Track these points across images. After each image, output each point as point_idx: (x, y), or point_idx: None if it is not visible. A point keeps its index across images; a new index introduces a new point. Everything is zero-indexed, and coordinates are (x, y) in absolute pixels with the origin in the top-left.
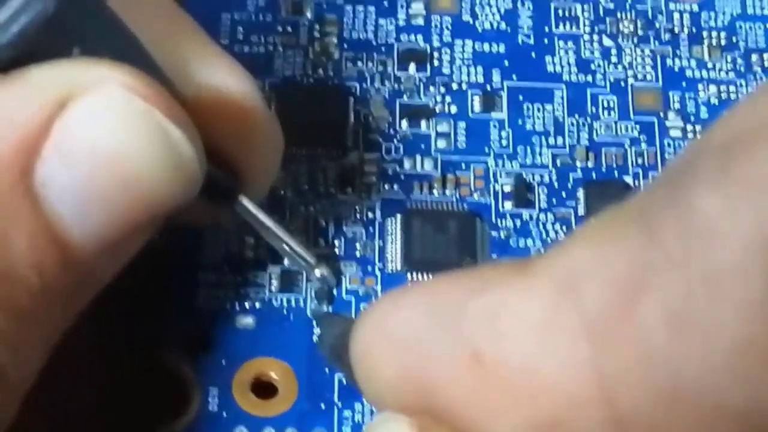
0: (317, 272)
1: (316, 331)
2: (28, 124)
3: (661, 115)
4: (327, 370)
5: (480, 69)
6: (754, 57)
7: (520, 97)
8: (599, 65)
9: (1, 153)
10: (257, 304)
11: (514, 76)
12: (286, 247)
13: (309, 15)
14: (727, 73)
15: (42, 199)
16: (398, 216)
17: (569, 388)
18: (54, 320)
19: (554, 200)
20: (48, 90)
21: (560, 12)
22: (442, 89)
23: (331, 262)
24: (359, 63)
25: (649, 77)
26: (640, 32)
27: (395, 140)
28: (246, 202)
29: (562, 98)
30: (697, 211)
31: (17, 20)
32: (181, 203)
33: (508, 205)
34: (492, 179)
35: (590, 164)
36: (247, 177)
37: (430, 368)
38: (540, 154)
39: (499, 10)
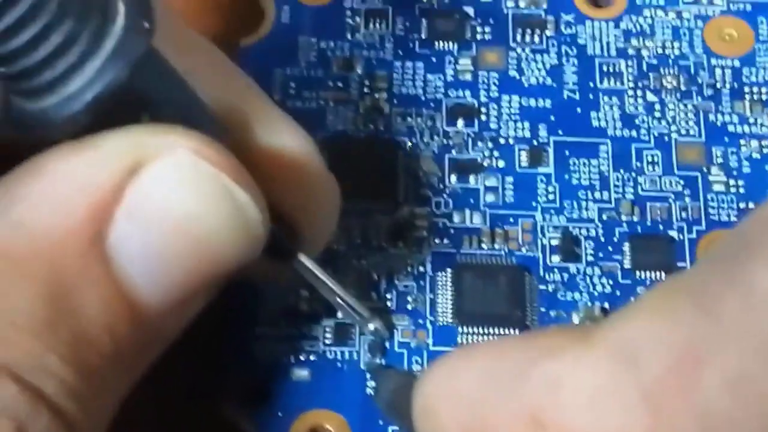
0: (371, 326)
1: (371, 383)
2: (101, 189)
3: (705, 169)
4: (381, 422)
5: (527, 124)
6: None
7: (566, 152)
8: (643, 120)
9: (75, 218)
10: (312, 357)
11: (559, 131)
12: (341, 301)
13: (359, 71)
14: None
15: (113, 261)
16: (448, 269)
17: None
18: (122, 378)
19: (600, 254)
20: (119, 156)
21: (604, 68)
22: (490, 144)
23: (383, 315)
24: (409, 118)
25: (692, 132)
26: (682, 87)
27: (444, 194)
28: (304, 259)
29: (607, 153)
30: (755, 288)
31: (91, 87)
32: (246, 263)
33: (556, 258)
34: (539, 233)
35: (635, 218)
36: (305, 234)
37: (490, 428)
38: (586, 209)
39: (544, 66)
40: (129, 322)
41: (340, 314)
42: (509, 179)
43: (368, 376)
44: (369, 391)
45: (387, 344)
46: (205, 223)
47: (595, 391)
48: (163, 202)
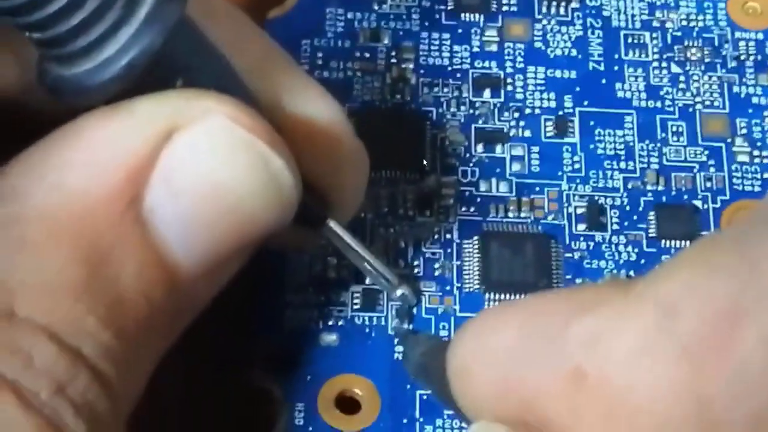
0: (398, 291)
1: (398, 348)
2: (137, 154)
3: (729, 140)
4: (409, 386)
5: (552, 95)
6: None
7: (592, 123)
8: (668, 92)
9: (112, 182)
10: (340, 323)
11: (585, 102)
12: (370, 268)
13: (386, 42)
14: None
15: (149, 226)
16: (475, 237)
17: (667, 409)
18: (156, 343)
19: (626, 223)
20: (154, 121)
21: (629, 39)
22: (516, 114)
23: (411, 282)
24: (435, 88)
25: (716, 103)
26: (707, 60)
27: (471, 163)
28: (334, 226)
29: (633, 123)
30: None
31: (126, 54)
32: (278, 228)
33: (582, 227)
34: (565, 202)
35: (660, 188)
36: (335, 201)
37: (529, 384)
38: (612, 178)
39: (570, 37)
40: (164, 286)
41: (368, 280)
42: (535, 149)
43: (396, 341)
44: (397, 356)
45: (414, 310)
46: (240, 189)
47: (636, 345)
48: (197, 167)
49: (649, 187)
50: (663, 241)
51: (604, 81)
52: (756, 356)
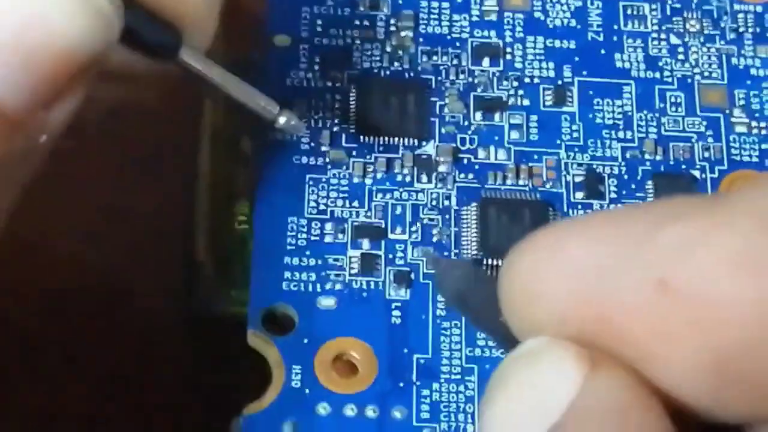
0: (281, 119)
1: (396, 312)
2: None
3: (727, 111)
4: (406, 350)
5: (551, 64)
6: None
7: (590, 92)
8: (667, 63)
9: None
10: (338, 287)
11: (584, 72)
12: (247, 97)
13: (386, 10)
14: None
15: None
16: (473, 204)
17: (757, 324)
18: (6, 187)
19: (624, 191)
20: None
21: (629, 10)
22: (515, 83)
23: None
24: (434, 57)
25: (714, 75)
26: (706, 31)
27: (469, 131)
28: (189, 53)
29: (631, 94)
30: None
31: None
32: (103, 48)
33: (580, 195)
34: (563, 170)
35: (659, 157)
36: (186, 26)
37: (610, 296)
38: (610, 147)
39: (569, 7)
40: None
41: (368, 244)
42: (534, 118)
43: (428, 267)
44: (394, 320)
45: (412, 276)
46: (51, 14)
47: (732, 256)
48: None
49: (647, 157)
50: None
51: (603, 51)
52: None
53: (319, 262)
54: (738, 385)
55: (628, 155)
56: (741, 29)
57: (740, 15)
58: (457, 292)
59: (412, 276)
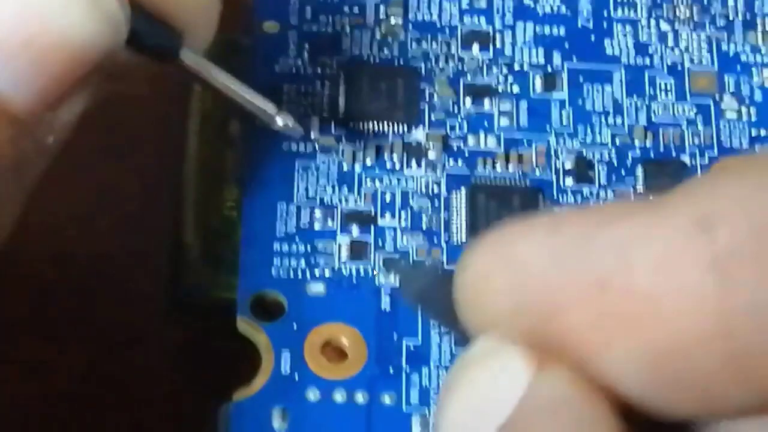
0: (279, 121)
1: (386, 299)
2: None
3: (717, 97)
4: (395, 336)
5: (541, 50)
6: None
7: (580, 78)
8: (656, 49)
9: None
10: (327, 273)
11: (574, 58)
12: (244, 99)
13: None
14: None
15: None
16: (463, 190)
17: (691, 321)
18: (12, 190)
19: (614, 177)
20: None
21: None
22: (505, 70)
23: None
24: (424, 44)
25: (704, 61)
26: (695, 18)
27: (459, 118)
28: (189, 55)
29: (621, 80)
30: None
31: None
32: (110, 50)
33: (569, 181)
34: (553, 156)
35: (648, 143)
36: (187, 28)
37: (550, 296)
38: (600, 133)
39: None
40: (5, 131)
41: (355, 230)
42: (523, 104)
43: (393, 273)
44: (383, 306)
45: (402, 263)
46: (58, 15)
47: (664, 255)
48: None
49: (637, 143)
50: (650, 196)
51: (592, 38)
52: None
53: (309, 248)
54: (675, 383)
55: (617, 141)
56: (731, 16)
57: (730, 1)
58: (418, 295)
59: (402, 263)
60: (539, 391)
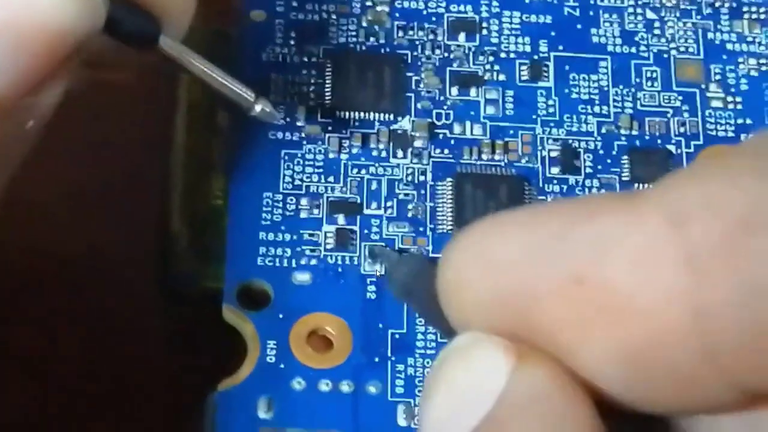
0: (257, 107)
1: (371, 288)
2: None
3: (703, 86)
4: (381, 325)
5: (527, 39)
6: None
7: (567, 67)
8: (643, 37)
9: None
10: (313, 261)
11: (560, 47)
12: (223, 85)
13: None
14: (766, 47)
15: None
16: (449, 179)
17: (664, 316)
18: None
19: (599, 166)
20: None
21: None
22: (491, 58)
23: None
24: (410, 32)
25: (691, 50)
26: (682, 6)
27: (445, 106)
28: (168, 42)
29: (607, 68)
30: None
31: None
32: (89, 33)
33: (555, 170)
34: (539, 145)
35: (634, 132)
36: (165, 15)
37: (527, 291)
38: (586, 122)
39: None
40: None
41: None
42: (509, 93)
43: (379, 263)
44: (369, 295)
45: (388, 251)
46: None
47: (639, 251)
48: None
49: (623, 132)
50: (636, 185)
51: (579, 26)
52: (764, 271)
53: (295, 237)
54: (652, 378)
55: (603, 130)
56: (717, 4)
57: None
58: (404, 287)
59: (388, 250)
60: (519, 384)
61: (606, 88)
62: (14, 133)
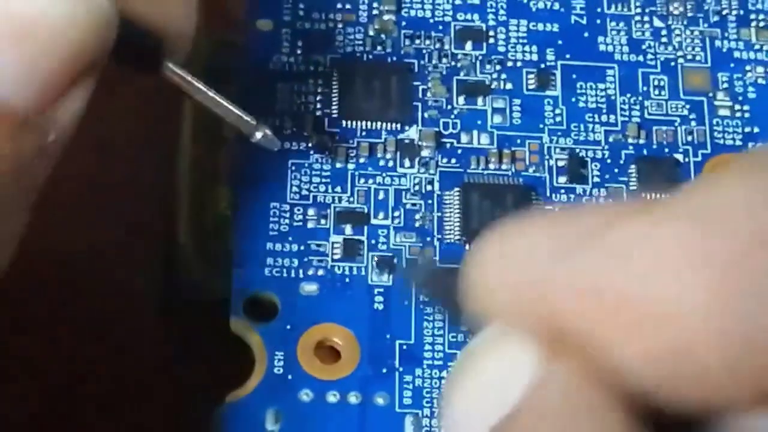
0: (258, 134)
1: (379, 298)
2: None
3: (710, 94)
4: (388, 336)
5: (534, 47)
6: None
7: (574, 76)
8: (650, 46)
9: None
10: (320, 272)
11: (567, 55)
12: (225, 110)
13: None
14: None
15: None
16: (456, 189)
17: (693, 322)
18: (11, 192)
19: (607, 175)
20: None
21: None
22: (498, 67)
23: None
24: (417, 41)
25: (698, 58)
26: (689, 14)
27: (452, 115)
28: (172, 66)
29: (614, 77)
30: None
31: None
32: (104, 47)
33: (562, 179)
34: (546, 154)
35: (642, 141)
36: (167, 39)
37: (554, 291)
38: (593, 131)
39: None
40: (9, 130)
41: (348, 228)
42: (517, 101)
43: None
44: (377, 306)
45: (395, 260)
46: (52, 16)
47: (667, 256)
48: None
49: (630, 141)
50: (643, 194)
51: (586, 34)
52: None
53: (302, 247)
54: (683, 380)
55: (611, 139)
56: (724, 12)
57: None
58: (423, 279)
59: (395, 261)
60: (545, 381)
61: (613, 97)
62: (36, 146)
